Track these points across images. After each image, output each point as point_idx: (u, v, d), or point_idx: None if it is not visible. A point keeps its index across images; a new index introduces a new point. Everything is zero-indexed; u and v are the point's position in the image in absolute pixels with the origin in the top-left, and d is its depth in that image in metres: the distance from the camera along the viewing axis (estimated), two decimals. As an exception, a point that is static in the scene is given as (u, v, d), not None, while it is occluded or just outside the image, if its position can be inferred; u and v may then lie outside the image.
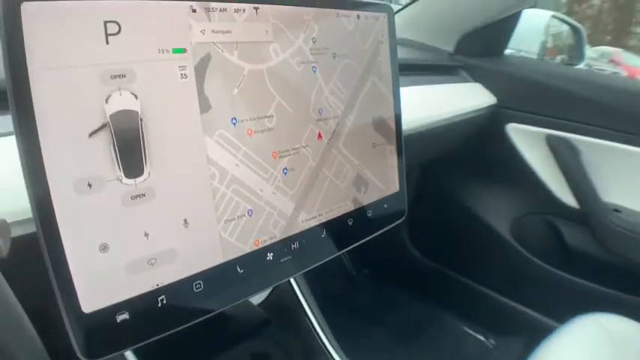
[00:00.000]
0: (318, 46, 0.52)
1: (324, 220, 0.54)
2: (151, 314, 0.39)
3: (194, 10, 0.40)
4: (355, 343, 0.86)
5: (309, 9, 0.51)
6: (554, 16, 1.59)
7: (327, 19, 0.54)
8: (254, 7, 0.45)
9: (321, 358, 0.75)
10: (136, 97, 0.36)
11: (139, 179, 0.37)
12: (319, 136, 0.53)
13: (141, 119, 0.37)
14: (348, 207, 0.58)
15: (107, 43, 0.35)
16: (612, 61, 13.24)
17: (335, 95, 0.55)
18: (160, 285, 0.40)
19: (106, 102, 0.35)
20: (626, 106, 1.22)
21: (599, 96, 1.24)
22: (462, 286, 1.55)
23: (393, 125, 0.64)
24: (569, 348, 0.95)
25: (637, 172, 1.23)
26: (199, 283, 0.42)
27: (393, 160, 0.65)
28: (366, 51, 0.60)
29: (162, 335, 0.41)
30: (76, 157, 0.34)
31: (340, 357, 0.76)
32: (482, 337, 1.48)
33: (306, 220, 0.52)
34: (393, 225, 0.67)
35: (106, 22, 0.35)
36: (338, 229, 0.56)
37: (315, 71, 0.52)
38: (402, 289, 1.60)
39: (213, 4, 0.42)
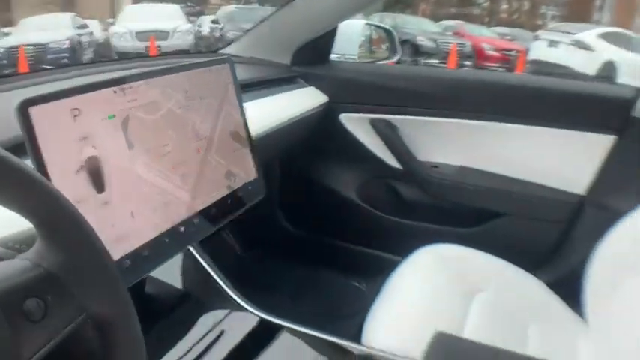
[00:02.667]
0: (189, 95, 0.83)
1: (211, 202, 0.85)
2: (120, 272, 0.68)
3: (115, 92, 0.69)
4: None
5: (180, 74, 0.82)
6: (367, 24, 1.98)
7: (192, 77, 0.85)
8: (146, 82, 0.75)
9: (230, 305, 1.04)
10: (94, 147, 0.65)
11: (104, 194, 0.66)
12: (198, 150, 0.84)
13: (99, 159, 0.66)
14: (225, 191, 0.89)
15: (74, 121, 0.63)
16: (457, 33, 14.23)
17: (204, 123, 0.86)
18: (123, 254, 0.68)
19: (81, 152, 0.63)
20: (428, 89, 1.65)
21: (407, 84, 1.68)
22: (331, 245, 1.88)
23: (244, 134, 0.96)
24: (412, 273, 1.30)
25: (443, 136, 1.66)
26: (146, 249, 0.71)
27: (249, 157, 0.97)
28: (219, 91, 0.91)
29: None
30: (70, 183, 0.62)
31: (247, 304, 1.04)
32: (357, 284, 1.83)
33: (200, 204, 0.83)
34: (257, 200, 0.99)
35: (72, 109, 0.63)
36: (222, 206, 0.88)
37: (190, 111, 0.83)
38: (284, 260, 1.86)
39: (124, 86, 0.71)
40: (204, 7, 24.45)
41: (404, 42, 11.41)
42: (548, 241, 1.66)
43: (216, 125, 0.89)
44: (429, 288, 1.24)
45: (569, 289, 1.30)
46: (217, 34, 12.54)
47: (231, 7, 15.13)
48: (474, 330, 1.12)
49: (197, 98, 0.85)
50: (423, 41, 12.30)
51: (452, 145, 1.68)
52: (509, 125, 1.59)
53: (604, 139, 1.53)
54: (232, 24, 12.19)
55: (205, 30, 13.49)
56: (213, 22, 13.29)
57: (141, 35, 11.53)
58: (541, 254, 1.67)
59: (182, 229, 0.78)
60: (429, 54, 12.22)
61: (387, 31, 2.08)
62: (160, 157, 0.75)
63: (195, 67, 0.86)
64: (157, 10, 12.96)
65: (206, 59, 0.90)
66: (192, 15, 15.98)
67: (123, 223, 0.68)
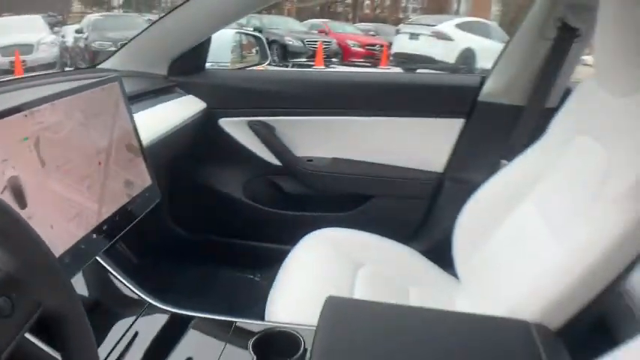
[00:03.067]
0: (87, 114, 0.92)
1: (115, 209, 0.94)
2: None
3: (25, 116, 0.77)
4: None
5: (78, 95, 0.90)
6: (237, 32, 2.10)
7: (88, 97, 0.94)
8: (51, 104, 0.83)
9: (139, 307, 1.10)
10: (14, 168, 0.73)
11: (26, 209, 0.74)
12: (100, 163, 0.93)
13: (19, 178, 0.74)
14: (126, 199, 0.99)
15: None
16: (322, 31, 14.60)
17: (102, 137, 0.95)
18: None
19: (3, 174, 0.71)
20: (298, 91, 1.82)
21: (278, 87, 1.83)
22: (223, 244, 1.97)
23: (137, 145, 1.06)
24: (301, 257, 1.44)
25: (316, 132, 1.84)
26: (67, 256, 0.79)
27: (143, 166, 1.07)
28: (112, 107, 1.01)
29: None
30: None
31: (156, 302, 1.11)
32: (252, 276, 1.95)
33: (106, 212, 0.92)
34: (155, 204, 1.09)
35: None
36: (124, 212, 0.97)
37: (89, 128, 0.92)
38: (179, 263, 1.92)
39: (33, 109, 0.79)
40: (67, 16, 23.17)
41: (272, 42, 11.57)
42: (417, 215, 1.89)
43: (112, 138, 0.98)
44: (318, 268, 1.39)
45: (440, 254, 1.52)
46: (82, 44, 12.00)
47: (95, 16, 14.47)
48: (360, 297, 1.28)
49: (94, 116, 0.94)
50: (290, 41, 12.51)
51: (324, 139, 1.86)
52: (373, 118, 1.80)
53: (456, 122, 1.78)
54: (97, 33, 11.72)
55: (69, 40, 12.82)
56: (77, 31, 12.63)
57: (3, 50, 10.74)
58: (412, 227, 1.89)
59: (94, 235, 0.87)
60: (297, 53, 12.46)
61: (257, 38, 2.21)
62: (68, 172, 0.84)
63: (90, 87, 0.94)
64: (17, 23, 12.11)
65: (98, 79, 0.99)
66: (55, 25, 15.08)
67: (45, 235, 0.76)
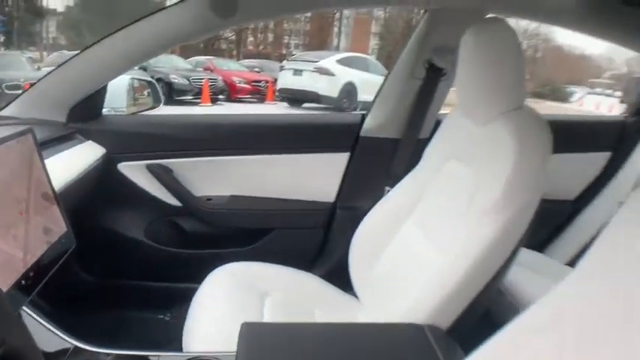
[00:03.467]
0: (5, 167, 0.98)
1: (39, 256, 1.00)
2: None
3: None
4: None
5: None
6: (132, 78, 2.17)
7: (4, 151, 0.99)
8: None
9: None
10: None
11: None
12: (21, 213, 0.99)
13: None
14: (46, 246, 1.05)
15: None
16: (207, 69, 14.58)
17: (22, 188, 1.01)
18: None
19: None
20: (193, 133, 1.93)
21: (174, 130, 1.92)
22: (131, 286, 1.98)
23: (51, 193, 1.12)
24: (210, 293, 1.51)
25: (213, 171, 1.94)
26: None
27: (57, 213, 1.13)
28: (27, 157, 1.07)
29: None
30: None
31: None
32: (162, 316, 1.96)
33: (31, 259, 0.98)
34: (73, 248, 1.15)
35: None
36: (46, 257, 1.03)
37: (9, 179, 0.98)
38: (89, 309, 1.87)
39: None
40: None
41: (157, 80, 11.38)
42: (314, 243, 2.04)
43: (29, 188, 1.04)
44: (227, 300, 1.46)
45: (340, 277, 1.67)
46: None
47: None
48: None
49: (12, 167, 1.00)
50: (176, 79, 12.36)
51: (221, 178, 1.96)
52: (267, 156, 1.94)
53: (342, 156, 1.95)
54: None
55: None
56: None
57: None
58: (312, 254, 2.04)
59: (23, 282, 0.93)
60: (183, 91, 12.35)
61: (150, 83, 2.27)
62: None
63: (5, 140, 1.00)
64: None
65: (12, 132, 1.05)
66: None
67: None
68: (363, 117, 2.01)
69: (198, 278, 1.59)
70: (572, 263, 2.05)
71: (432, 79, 1.87)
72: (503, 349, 0.79)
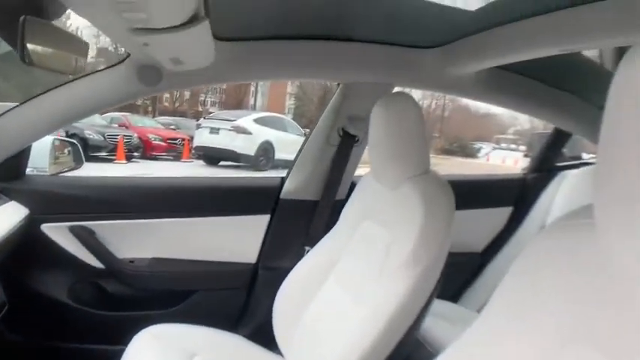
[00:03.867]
0: None
1: None
2: None
3: None
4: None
5: None
6: (55, 139, 2.16)
7: None
8: None
9: None
10: None
11: None
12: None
13: None
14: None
15: None
16: (122, 125, 14.31)
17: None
18: None
19: None
20: (116, 196, 1.94)
21: (97, 192, 1.93)
22: (55, 349, 1.92)
23: None
24: (136, 355, 1.50)
25: (135, 234, 1.95)
26: None
27: None
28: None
29: None
30: None
31: None
32: None
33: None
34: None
35: None
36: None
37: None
38: None
39: None
40: None
41: (72, 135, 11.11)
42: (238, 303, 2.07)
43: None
44: None
45: (264, 337, 1.71)
46: None
47: None
48: None
49: None
50: (90, 135, 12.04)
51: (144, 240, 1.97)
52: (190, 219, 1.99)
53: (263, 218, 2.03)
54: None
55: None
56: None
57: None
58: (236, 315, 2.07)
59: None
60: (98, 147, 12.07)
61: (72, 144, 2.28)
62: None
63: None
64: None
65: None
66: None
67: None
68: (283, 180, 2.11)
69: (124, 341, 1.58)
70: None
71: (346, 145, 2.01)
72: None
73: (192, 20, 1.03)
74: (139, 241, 1.96)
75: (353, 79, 1.93)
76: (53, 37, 1.15)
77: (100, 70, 1.67)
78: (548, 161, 2.70)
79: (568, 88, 2.01)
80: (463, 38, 1.67)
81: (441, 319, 1.90)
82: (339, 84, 2.02)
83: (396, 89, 1.86)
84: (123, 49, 1.55)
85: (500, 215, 2.56)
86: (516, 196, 2.58)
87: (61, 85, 1.66)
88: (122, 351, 1.54)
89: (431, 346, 1.78)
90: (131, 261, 1.96)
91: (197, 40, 1.21)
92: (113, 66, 1.65)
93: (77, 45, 1.28)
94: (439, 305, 2.02)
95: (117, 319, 1.95)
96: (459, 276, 2.52)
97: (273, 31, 1.70)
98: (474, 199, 2.42)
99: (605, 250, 0.67)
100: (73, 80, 1.66)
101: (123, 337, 1.61)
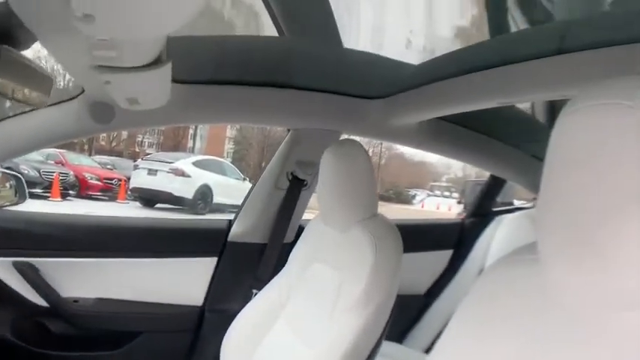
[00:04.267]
0: None
1: None
2: None
3: None
4: None
5: None
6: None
7: None
8: None
9: None
10: None
11: None
12: None
13: None
14: None
15: None
16: (58, 162, 13.90)
17: None
18: None
19: None
20: (61, 233, 1.89)
21: (43, 229, 1.88)
22: None
23: None
24: None
25: (80, 273, 1.91)
26: None
27: None
28: None
29: None
30: None
31: None
32: None
33: None
34: None
35: None
36: None
37: None
38: None
39: None
40: None
41: (7, 169, 10.67)
42: (184, 346, 2.05)
43: None
44: None
45: None
46: None
47: None
48: None
49: None
50: (26, 170, 11.61)
51: (89, 280, 1.93)
52: (136, 260, 1.97)
53: (210, 260, 2.03)
54: None
55: None
56: None
57: None
58: (182, 358, 2.05)
59: None
60: (33, 183, 11.65)
61: (16, 177, 2.22)
62: None
63: None
64: None
65: None
66: None
67: None
68: (230, 222, 2.12)
69: None
70: (428, 350, 2.27)
71: (294, 189, 2.06)
72: None
73: (157, 62, 1.06)
74: (85, 280, 1.92)
75: (302, 126, 2.00)
76: (22, 69, 1.15)
77: (52, 105, 1.65)
78: (484, 207, 2.85)
79: (503, 138, 2.15)
80: (406, 91, 1.77)
81: (388, 359, 1.94)
82: (289, 129, 2.08)
83: (344, 136, 1.94)
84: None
85: (441, 258, 2.67)
86: (456, 239, 2.70)
87: (11, 117, 1.64)
88: None
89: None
90: (75, 300, 1.91)
91: (157, 81, 1.23)
92: (66, 101, 1.64)
93: (42, 80, 1.28)
94: (386, 346, 2.06)
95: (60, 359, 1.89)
96: (404, 317, 2.57)
97: (227, 75, 1.74)
98: (417, 243, 2.50)
99: (551, 284, 0.74)
100: (21, 114, 1.64)
101: None
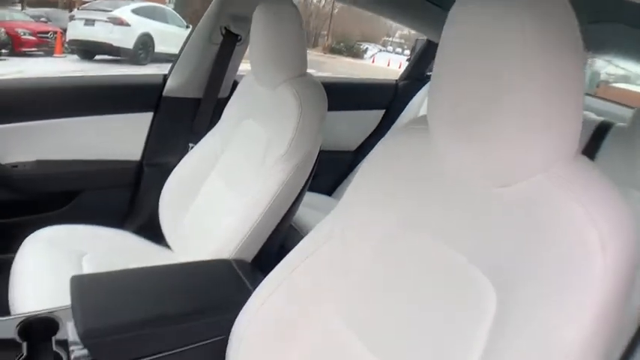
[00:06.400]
0: None
1: None
2: None
3: None
4: None
5: None
6: None
7: None
8: None
9: None
10: None
11: None
12: None
13: None
14: None
15: None
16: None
17: None
18: None
19: None
20: None
21: None
22: None
23: None
24: (25, 260, 1.50)
25: (17, 137, 1.87)
26: None
27: None
28: None
29: None
30: None
31: None
32: None
33: None
34: None
35: None
36: None
37: None
38: None
39: None
40: None
41: None
42: (125, 200, 2.13)
43: None
44: (46, 264, 1.50)
45: (152, 231, 1.80)
46: None
47: None
48: None
49: None
50: (-47, 31, 10.90)
51: (26, 144, 1.91)
52: (72, 119, 1.95)
53: (146, 115, 2.06)
54: None
55: None
56: None
57: None
58: (123, 212, 2.13)
59: None
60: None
61: None
62: None
63: None
64: None
65: None
66: None
67: None
68: (165, 77, 2.11)
69: (12, 248, 1.59)
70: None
71: (228, 44, 2.04)
72: (288, 266, 1.04)
73: None
74: (22, 144, 1.90)
75: None
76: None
77: None
78: (419, 70, 2.90)
79: (439, 3, 2.14)
80: None
81: (313, 209, 2.08)
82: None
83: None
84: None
85: (373, 117, 2.75)
86: (389, 100, 2.77)
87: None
88: (12, 258, 1.54)
89: (302, 232, 1.95)
90: (14, 166, 1.90)
91: None
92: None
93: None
94: (314, 198, 2.21)
95: (3, 227, 1.90)
96: (334, 172, 2.71)
97: None
98: (350, 101, 2.57)
99: (438, 154, 0.84)
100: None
101: (11, 245, 1.61)
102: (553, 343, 0.63)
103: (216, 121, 1.79)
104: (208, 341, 1.17)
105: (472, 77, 0.71)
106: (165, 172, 1.79)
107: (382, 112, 2.77)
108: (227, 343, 1.07)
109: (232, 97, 1.75)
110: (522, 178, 0.72)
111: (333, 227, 1.02)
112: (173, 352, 1.14)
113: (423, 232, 0.85)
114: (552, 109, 0.68)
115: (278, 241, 1.54)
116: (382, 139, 1.01)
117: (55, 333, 1.11)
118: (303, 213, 1.90)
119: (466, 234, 0.78)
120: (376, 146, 1.01)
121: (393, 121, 2.75)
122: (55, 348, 1.10)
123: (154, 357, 1.12)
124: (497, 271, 0.72)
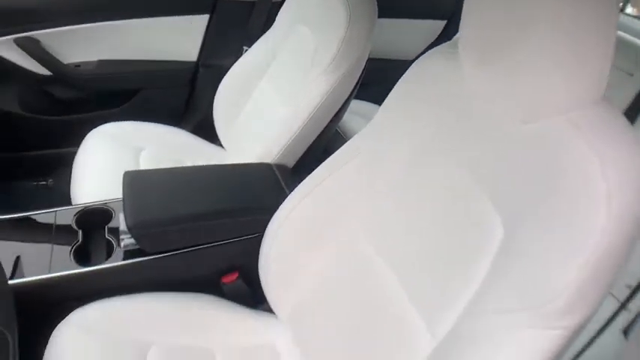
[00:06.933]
0: None
1: None
2: None
3: None
4: None
5: None
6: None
7: None
8: None
9: None
10: None
11: None
12: None
13: None
14: None
15: None
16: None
17: None
18: None
19: None
20: (56, 4, 1.86)
21: (36, 3, 1.84)
22: (11, 159, 1.98)
23: None
24: (88, 152, 1.66)
25: (80, 39, 1.93)
26: None
27: None
28: None
29: None
30: None
31: None
32: (44, 182, 2.02)
33: None
34: None
35: None
36: None
37: None
38: None
39: None
40: None
41: None
42: (181, 100, 2.20)
43: None
44: (106, 158, 1.61)
45: (206, 131, 1.87)
46: None
47: None
48: None
49: None
50: None
51: (88, 45, 1.96)
52: (132, 20, 1.98)
53: (202, 17, 2.06)
54: None
55: None
56: None
57: None
58: (179, 111, 2.21)
59: None
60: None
61: None
62: None
63: None
64: None
65: None
66: None
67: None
68: None
69: (75, 142, 1.70)
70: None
71: None
72: (318, 176, 1.08)
73: None
74: (84, 45, 1.96)
75: None
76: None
77: None
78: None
79: None
80: None
81: (359, 116, 2.08)
82: None
83: None
84: None
85: (431, 27, 2.64)
86: (451, 11, 2.65)
87: None
88: (74, 153, 1.66)
89: (347, 137, 1.96)
90: (77, 65, 1.97)
91: None
92: None
93: None
94: (362, 106, 2.20)
95: (67, 123, 2.02)
96: (389, 81, 2.63)
97: None
98: (410, 10, 2.48)
99: (466, 77, 0.84)
100: None
101: (74, 140, 1.72)
102: (552, 280, 0.65)
103: (271, 25, 1.79)
104: (245, 237, 1.26)
105: (505, 3, 0.71)
106: (220, 73, 1.82)
107: (443, 22, 2.65)
108: (261, 239, 1.13)
109: (286, 1, 1.74)
110: (543, 116, 0.72)
111: (361, 145, 1.05)
112: (212, 244, 1.24)
113: (448, 158, 0.86)
114: (581, 47, 0.66)
115: (321, 147, 1.58)
116: (416, 60, 1.00)
117: (108, 222, 1.23)
118: (349, 119, 1.92)
119: (486, 166, 0.79)
120: (409, 68, 1.00)
121: (452, 34, 2.63)
122: (107, 235, 1.22)
123: (194, 248, 1.23)
124: (507, 207, 0.74)
